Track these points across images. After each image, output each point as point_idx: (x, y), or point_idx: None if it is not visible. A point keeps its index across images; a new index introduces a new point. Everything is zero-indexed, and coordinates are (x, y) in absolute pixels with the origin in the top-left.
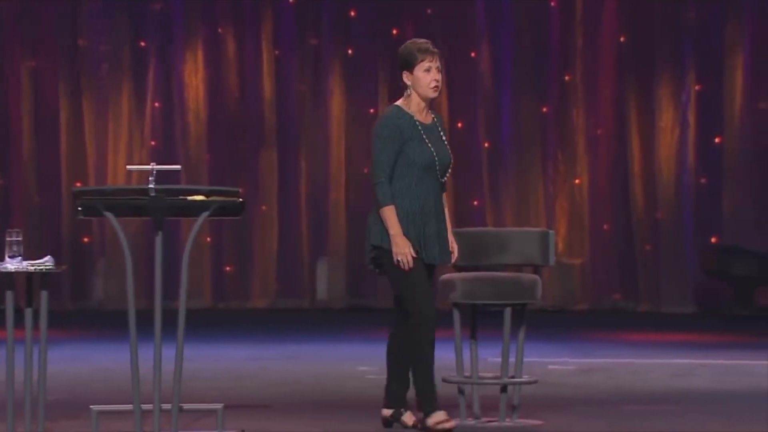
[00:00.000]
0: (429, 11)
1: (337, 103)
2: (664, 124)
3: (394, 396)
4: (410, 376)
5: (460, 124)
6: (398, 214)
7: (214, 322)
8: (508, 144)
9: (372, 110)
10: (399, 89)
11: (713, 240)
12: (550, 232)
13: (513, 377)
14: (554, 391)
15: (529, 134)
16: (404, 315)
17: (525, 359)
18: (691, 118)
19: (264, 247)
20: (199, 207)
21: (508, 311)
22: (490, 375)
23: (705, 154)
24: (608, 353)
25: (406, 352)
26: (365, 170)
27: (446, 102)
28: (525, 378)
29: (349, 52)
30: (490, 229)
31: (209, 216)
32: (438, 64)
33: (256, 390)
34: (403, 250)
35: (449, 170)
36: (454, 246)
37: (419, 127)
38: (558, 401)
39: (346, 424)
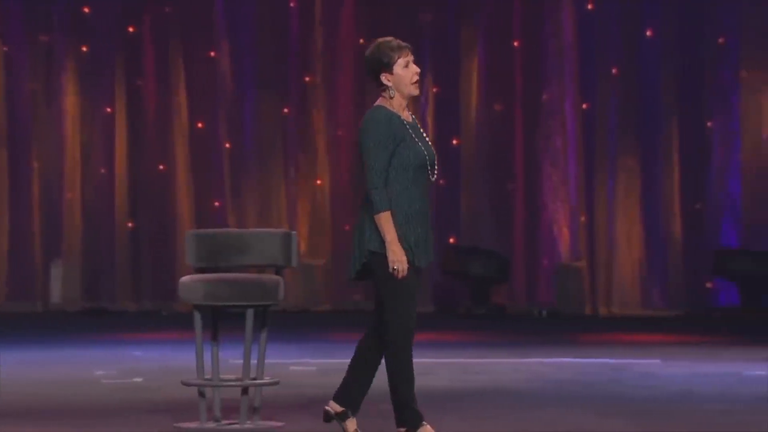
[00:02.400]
0: (167, 9)
1: (71, 102)
2: None
3: (350, 397)
4: (370, 382)
5: (200, 125)
6: (397, 218)
7: None
8: (250, 145)
9: (109, 109)
10: (135, 87)
11: (451, 240)
12: (293, 233)
13: (255, 379)
14: (296, 392)
15: (270, 135)
16: (384, 325)
17: (267, 361)
18: (429, 120)
19: None
20: None
21: (250, 312)
22: (231, 377)
23: (443, 155)
24: (350, 354)
25: (378, 358)
26: (102, 170)
27: (186, 102)
28: (266, 379)
29: (84, 49)
30: (231, 230)
31: None
32: (413, 57)
33: None
34: (400, 258)
35: (437, 168)
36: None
37: (407, 127)
38: (299, 402)
39: (82, 429)
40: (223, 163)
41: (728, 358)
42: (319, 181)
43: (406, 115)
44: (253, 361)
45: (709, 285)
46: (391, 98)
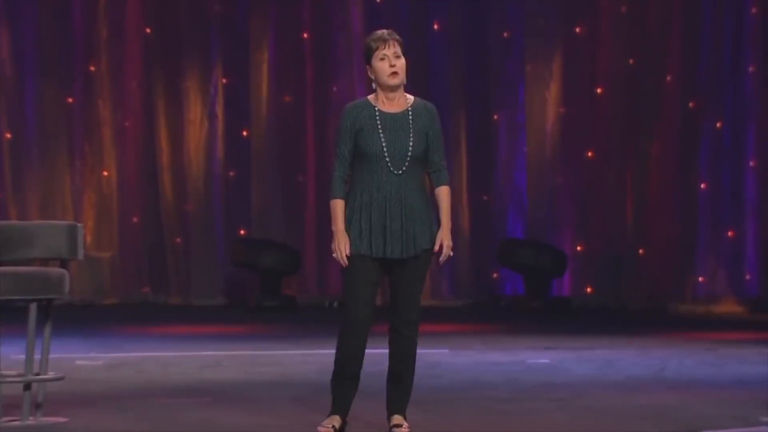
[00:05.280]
0: None
1: None
2: (192, 117)
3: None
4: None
5: None
6: (351, 205)
7: None
8: (32, 135)
9: None
10: None
11: (242, 232)
12: (78, 225)
13: (38, 374)
14: (82, 387)
15: (54, 125)
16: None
17: (51, 355)
18: (219, 111)
19: None
20: None
21: (33, 306)
22: (13, 373)
23: (233, 146)
24: (138, 347)
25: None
26: None
27: None
28: (50, 375)
29: None
30: (13, 222)
31: None
32: (395, 49)
33: None
34: (339, 247)
35: (407, 162)
36: (444, 243)
37: (377, 117)
38: (85, 397)
39: None
40: (3, 153)
41: (513, 346)
42: (105, 173)
43: (393, 106)
44: (37, 357)
45: (495, 275)
46: (374, 91)
